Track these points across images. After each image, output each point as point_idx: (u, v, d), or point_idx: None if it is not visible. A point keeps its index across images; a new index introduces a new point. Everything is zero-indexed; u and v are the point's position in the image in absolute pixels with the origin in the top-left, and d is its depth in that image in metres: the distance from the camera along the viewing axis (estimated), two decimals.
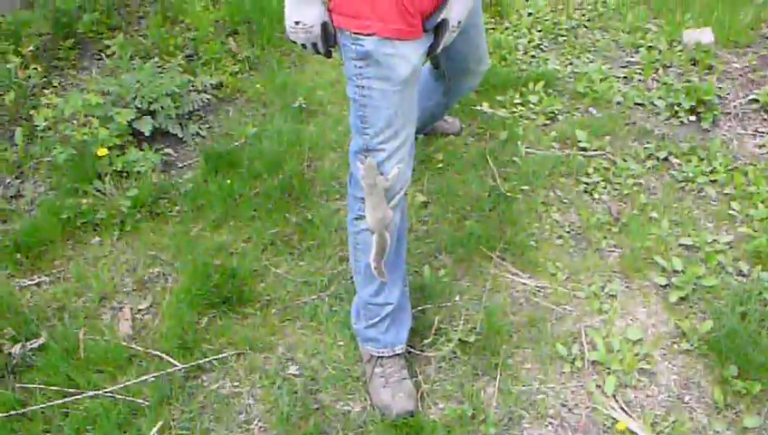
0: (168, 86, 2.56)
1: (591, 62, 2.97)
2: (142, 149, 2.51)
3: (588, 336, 1.90)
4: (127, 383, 1.82)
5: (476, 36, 1.92)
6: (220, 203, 2.32)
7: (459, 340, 1.89)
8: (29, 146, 2.57)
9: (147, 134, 2.54)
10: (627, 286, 2.05)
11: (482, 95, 2.76)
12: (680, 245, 2.15)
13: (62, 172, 2.40)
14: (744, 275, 2.05)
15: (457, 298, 2.01)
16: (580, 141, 2.53)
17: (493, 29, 3.17)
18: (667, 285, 2.03)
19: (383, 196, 1.56)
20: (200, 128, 2.71)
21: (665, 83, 2.79)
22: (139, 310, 2.06)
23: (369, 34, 1.42)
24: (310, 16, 1.48)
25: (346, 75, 1.54)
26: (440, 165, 2.46)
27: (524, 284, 2.06)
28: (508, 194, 2.32)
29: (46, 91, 2.79)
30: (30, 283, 2.14)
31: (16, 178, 2.50)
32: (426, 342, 1.90)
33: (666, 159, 2.46)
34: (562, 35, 3.15)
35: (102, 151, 2.34)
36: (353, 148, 1.60)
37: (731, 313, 1.89)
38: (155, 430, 1.71)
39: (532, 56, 3.03)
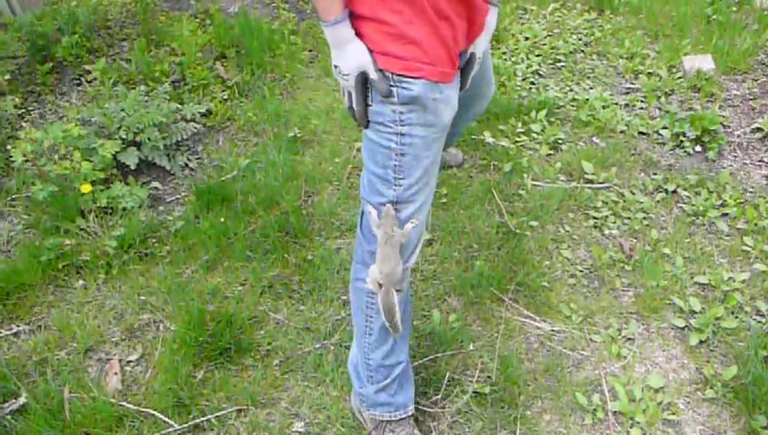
0: (154, 116, 2.42)
1: (592, 88, 2.91)
2: (128, 184, 2.37)
3: (608, 384, 1.81)
4: None
5: (486, 59, 1.86)
6: (213, 242, 2.19)
7: (474, 392, 1.78)
8: (4, 180, 2.41)
9: (132, 167, 2.39)
10: (644, 328, 1.97)
11: (483, 124, 2.68)
12: (696, 283, 2.08)
13: (42, 210, 2.25)
14: (762, 315, 1.98)
15: (471, 347, 1.90)
16: (586, 173, 2.45)
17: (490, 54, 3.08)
18: (685, 326, 1.95)
19: (398, 250, 1.42)
20: (189, 159, 2.57)
21: (668, 112, 2.74)
22: (129, 362, 1.92)
23: (417, 77, 1.26)
24: (346, 61, 1.28)
25: (375, 120, 1.34)
26: (444, 199, 2.36)
27: (538, 327, 1.97)
28: (517, 231, 2.23)
29: (24, 123, 2.63)
30: (7, 333, 1.98)
31: None
32: (438, 395, 1.79)
33: (674, 191, 2.39)
34: (561, 61, 3.09)
35: (86, 187, 2.19)
36: (375, 199, 1.41)
37: (754, 357, 1.82)
38: None
39: (532, 83, 2.96)
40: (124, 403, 1.78)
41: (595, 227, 2.28)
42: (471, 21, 1.34)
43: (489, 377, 1.82)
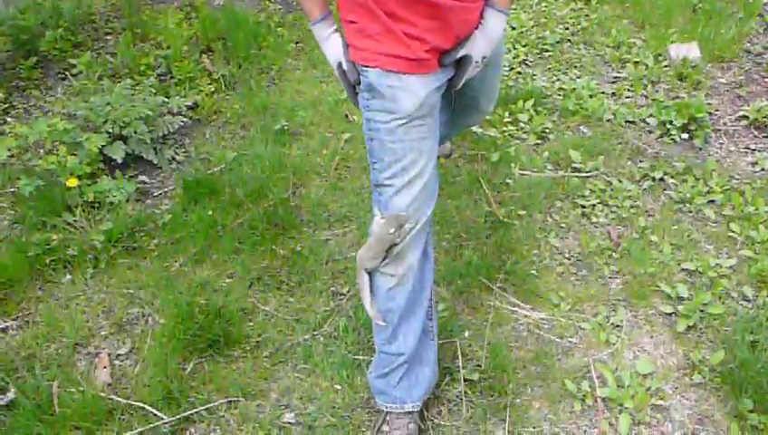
0: (140, 109, 2.40)
1: (579, 77, 2.92)
2: (115, 178, 2.35)
3: (597, 371, 1.82)
4: None
5: (493, 77, 1.87)
6: (201, 235, 2.18)
7: (465, 379, 1.79)
8: None
9: (119, 161, 2.38)
10: (632, 315, 1.98)
11: None
12: (683, 270, 2.09)
13: (28, 205, 2.23)
14: (748, 301, 2.00)
15: (465, 334, 1.91)
16: (573, 162, 2.46)
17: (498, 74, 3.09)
18: (673, 313, 1.97)
19: (383, 249, 1.50)
20: (176, 152, 2.56)
21: (654, 100, 2.75)
22: (118, 355, 1.91)
23: (372, 66, 1.41)
24: (327, 55, 1.52)
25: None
26: None
27: (527, 316, 1.98)
28: (505, 220, 2.23)
29: (8, 118, 2.60)
30: None
31: None
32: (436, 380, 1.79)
33: (661, 179, 2.41)
34: (547, 50, 3.10)
35: (72, 182, 2.17)
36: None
37: (741, 342, 1.84)
38: None
39: (518, 72, 2.96)
40: (114, 397, 1.77)
41: (583, 215, 2.29)
42: (443, 19, 1.37)
43: (479, 365, 1.83)
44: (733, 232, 2.21)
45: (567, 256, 2.15)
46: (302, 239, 2.19)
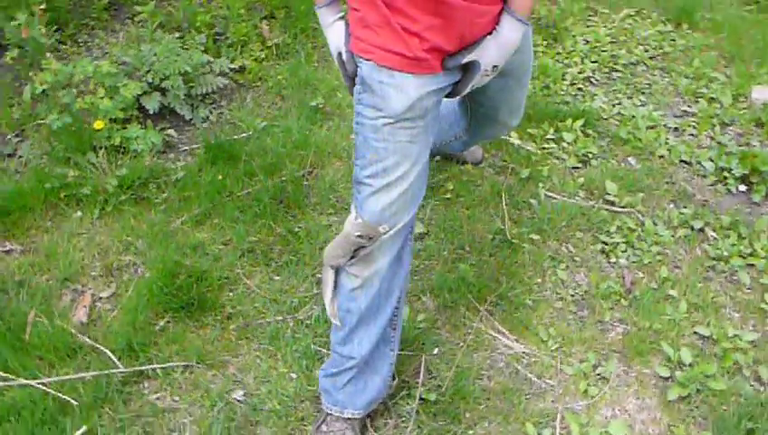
0: (180, 65, 2.44)
1: (643, 105, 2.70)
2: (145, 127, 2.40)
3: (564, 421, 1.68)
4: (63, 378, 1.72)
5: (516, 89, 1.75)
6: (207, 198, 2.20)
7: (421, 398, 1.70)
8: (38, 104, 2.51)
9: (152, 112, 2.43)
10: (623, 370, 1.82)
11: None
12: (695, 333, 1.89)
13: (59, 140, 2.32)
14: (761, 383, 1.78)
15: (435, 351, 1.82)
16: (608, 193, 2.28)
17: (542, 53, 2.92)
18: (669, 377, 1.79)
19: (350, 249, 1.45)
20: (211, 112, 2.59)
21: (719, 143, 2.50)
22: (100, 298, 1.96)
23: (367, 59, 1.35)
24: (329, 42, 1.49)
25: None
26: (449, 195, 2.26)
27: (508, 346, 1.86)
28: (513, 241, 2.10)
29: (73, 54, 2.72)
30: (1, 249, 2.07)
31: (16, 136, 2.44)
32: (389, 392, 1.72)
33: (701, 229, 2.19)
34: (618, 71, 2.88)
35: (99, 124, 2.24)
36: None
37: (736, 427, 1.64)
38: (79, 433, 1.61)
39: (579, 89, 2.77)
40: (82, 336, 1.82)
41: (602, 252, 2.12)
42: (447, 17, 1.29)
43: (440, 386, 1.74)
44: (766, 304, 1.98)
45: (571, 291, 2.00)
46: (304, 220, 2.16)
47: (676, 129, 2.60)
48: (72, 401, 1.66)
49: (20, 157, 2.35)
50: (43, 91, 2.34)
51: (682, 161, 2.44)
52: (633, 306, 1.96)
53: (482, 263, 2.05)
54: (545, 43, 2.99)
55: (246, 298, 1.95)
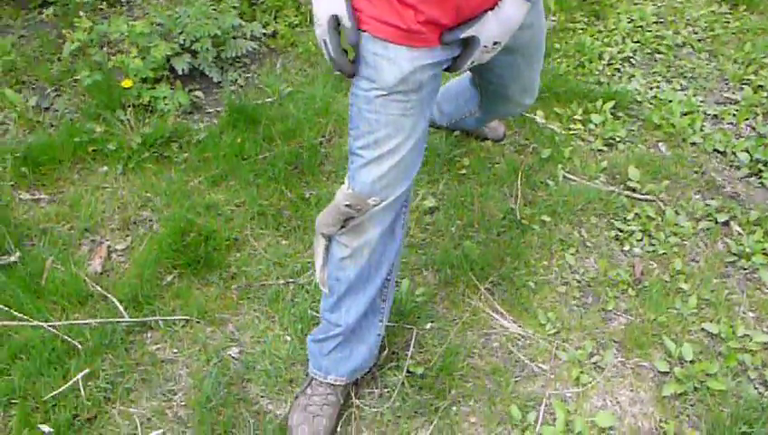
0: (211, 27, 2.48)
1: (683, 89, 2.57)
2: (173, 87, 2.47)
3: (551, 407, 1.66)
4: (72, 322, 1.81)
5: (525, 67, 1.69)
6: (225, 160, 2.25)
7: (408, 370, 1.72)
8: (76, 60, 2.61)
9: (180, 73, 2.49)
10: (620, 361, 1.77)
11: (541, 102, 2.46)
12: (703, 330, 1.82)
13: (92, 96, 2.41)
14: (767, 387, 1.71)
15: (428, 326, 1.83)
16: (630, 180, 2.20)
17: (582, 30, 2.81)
18: (667, 372, 1.74)
19: (340, 219, 1.47)
20: (240, 75, 2.63)
21: (759, 134, 2.36)
22: (116, 250, 2.05)
23: (363, 30, 1.33)
24: (318, 7, 1.31)
25: None
26: (464, 171, 2.23)
27: (504, 327, 1.84)
28: (523, 221, 2.06)
29: (112, 13, 2.80)
30: (30, 197, 2.19)
31: (54, 90, 2.55)
32: (377, 362, 1.75)
33: (726, 223, 2.09)
34: (661, 53, 2.75)
35: (127, 83, 2.31)
36: None
37: (729, 430, 1.58)
38: (81, 374, 1.70)
39: (617, 69, 2.66)
40: (95, 285, 1.92)
41: (616, 239, 2.06)
42: None
43: (429, 360, 1.75)
44: None
45: (577, 277, 1.95)
46: (316, 187, 2.18)
47: (714, 116, 2.47)
48: (78, 345, 1.76)
49: (56, 111, 2.46)
50: (79, 48, 2.43)
51: (716, 150, 2.32)
52: (640, 297, 1.90)
53: (488, 241, 2.02)
54: (586, 19, 2.87)
55: (252, 260, 2.00)
